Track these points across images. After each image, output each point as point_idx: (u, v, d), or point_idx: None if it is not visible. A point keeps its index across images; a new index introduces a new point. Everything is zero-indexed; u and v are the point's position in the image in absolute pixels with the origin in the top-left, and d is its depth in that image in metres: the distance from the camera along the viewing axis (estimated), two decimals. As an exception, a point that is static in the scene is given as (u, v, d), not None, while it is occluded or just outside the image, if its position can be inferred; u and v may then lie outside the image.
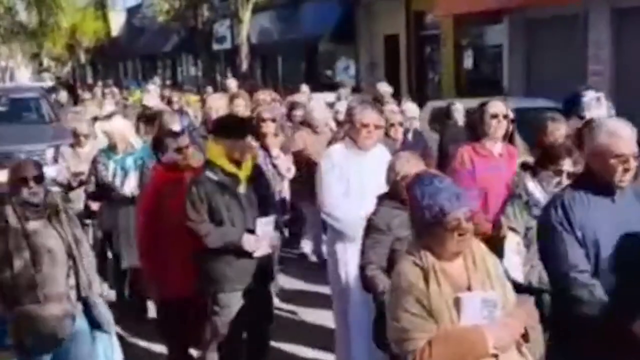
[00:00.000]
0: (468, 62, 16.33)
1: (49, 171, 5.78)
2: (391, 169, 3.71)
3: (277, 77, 24.25)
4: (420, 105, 9.67)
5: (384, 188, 3.86)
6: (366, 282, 3.63)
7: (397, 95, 15.68)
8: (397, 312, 2.55)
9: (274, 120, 6.24)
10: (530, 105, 9.39)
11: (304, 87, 11.43)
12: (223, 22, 25.58)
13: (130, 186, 5.70)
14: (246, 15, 21.28)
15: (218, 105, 6.55)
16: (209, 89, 12.84)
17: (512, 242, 3.61)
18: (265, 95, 8.35)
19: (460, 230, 2.53)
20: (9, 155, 10.03)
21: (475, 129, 4.83)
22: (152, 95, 11.16)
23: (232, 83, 12.37)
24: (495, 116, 4.59)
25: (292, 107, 8.31)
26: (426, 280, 2.53)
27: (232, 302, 4.13)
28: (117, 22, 39.40)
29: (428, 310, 2.51)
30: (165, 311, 4.63)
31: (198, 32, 25.25)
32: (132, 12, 38.56)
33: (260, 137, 6.01)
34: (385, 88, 9.40)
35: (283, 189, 6.45)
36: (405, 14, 17.51)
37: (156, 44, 32.40)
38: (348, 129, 4.64)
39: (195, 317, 4.41)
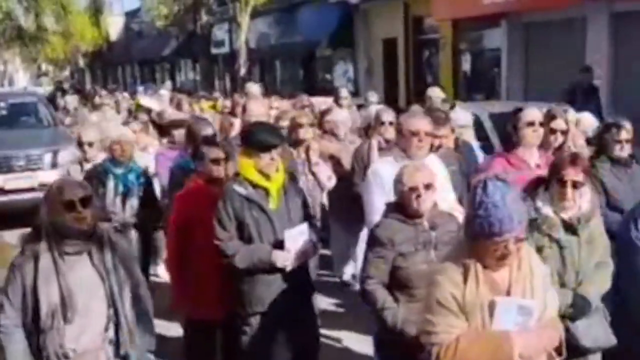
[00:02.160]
0: (466, 66, 16.34)
1: (46, 176, 5.68)
2: (398, 179, 3.48)
3: (276, 82, 24.27)
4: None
5: (441, 204, 3.60)
6: (366, 297, 3.46)
7: (395, 100, 15.71)
8: (430, 304, 2.53)
9: (312, 125, 5.86)
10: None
11: (344, 93, 10.27)
12: (221, 27, 25.61)
13: (133, 209, 5.10)
14: (245, 19, 21.30)
15: (261, 112, 5.86)
16: (235, 96, 11.88)
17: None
18: (280, 103, 7.91)
19: (505, 251, 2.46)
20: (8, 160, 10.07)
21: (509, 137, 4.49)
22: (154, 101, 10.76)
23: (253, 87, 11.49)
24: (531, 124, 4.32)
25: (324, 113, 7.55)
26: (465, 277, 2.50)
27: (266, 324, 3.86)
28: (115, 26, 39.42)
29: (461, 307, 2.48)
30: (193, 333, 4.31)
31: (196, 36, 25.28)
32: (130, 16, 38.60)
33: (297, 144, 5.58)
34: (436, 93, 8.65)
35: (323, 201, 5.96)
36: (403, 18, 17.52)
37: (155, 49, 32.43)
38: (396, 139, 4.32)
39: (226, 340, 4.17)
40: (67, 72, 44.79)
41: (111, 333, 3.09)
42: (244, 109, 6.06)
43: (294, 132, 5.62)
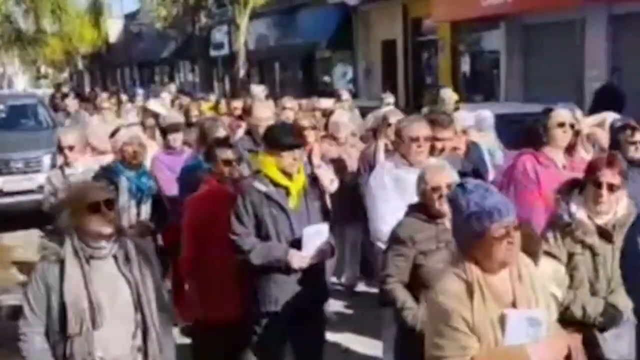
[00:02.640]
0: (465, 68, 16.36)
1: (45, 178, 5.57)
2: (421, 179, 3.42)
3: (275, 84, 24.27)
4: (419, 110, 9.67)
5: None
6: (385, 296, 3.39)
7: (395, 101, 15.68)
8: (438, 327, 2.41)
9: (314, 128, 5.83)
10: (527, 110, 9.38)
11: (346, 95, 10.20)
12: (220, 29, 25.62)
13: (147, 213, 4.88)
14: (243, 21, 21.30)
15: (267, 115, 5.70)
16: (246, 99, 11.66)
17: (547, 270, 3.20)
18: (293, 104, 7.74)
19: (509, 238, 2.39)
20: (7, 162, 10.07)
21: (535, 136, 4.39)
22: (155, 103, 10.49)
23: (257, 88, 11.40)
24: (562, 125, 4.26)
25: (328, 115, 7.39)
26: (470, 294, 2.40)
27: (276, 325, 3.81)
28: (114, 28, 39.40)
29: (470, 327, 2.37)
30: (208, 335, 4.17)
31: (195, 38, 25.28)
32: (129, 18, 38.60)
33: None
34: (449, 95, 8.47)
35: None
36: (402, 20, 17.55)
37: (154, 51, 32.43)
38: (396, 145, 4.29)
39: (240, 342, 4.08)
40: (66, 74, 44.78)
41: (139, 341, 2.98)
42: (249, 112, 5.97)
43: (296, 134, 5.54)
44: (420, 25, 17.32)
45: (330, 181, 5.52)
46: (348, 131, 6.53)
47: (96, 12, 36.52)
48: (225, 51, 25.36)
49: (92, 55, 38.57)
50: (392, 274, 3.36)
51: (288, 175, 3.80)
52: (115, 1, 39.25)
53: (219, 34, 26.00)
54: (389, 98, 10.01)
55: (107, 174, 4.79)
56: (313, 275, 3.83)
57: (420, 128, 4.14)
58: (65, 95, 21.10)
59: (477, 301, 2.39)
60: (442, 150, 4.64)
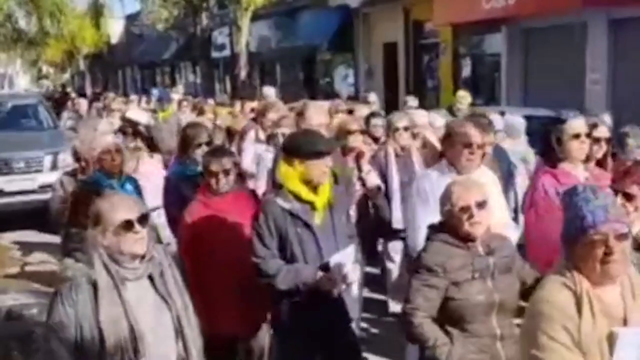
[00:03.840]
0: (466, 71, 16.37)
1: (46, 178, 5.56)
2: (446, 197, 3.04)
3: (276, 86, 24.28)
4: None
5: (495, 223, 3.16)
6: (412, 332, 2.98)
7: (395, 104, 15.72)
8: (540, 340, 2.19)
9: (363, 133, 5.50)
10: (528, 114, 9.40)
11: (372, 97, 9.60)
12: (222, 30, 25.63)
13: None
14: (245, 23, 21.31)
15: (322, 121, 5.00)
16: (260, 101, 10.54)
17: None
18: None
19: (607, 249, 2.18)
20: (8, 162, 10.08)
21: (552, 150, 4.12)
22: (142, 113, 9.96)
23: (269, 90, 10.79)
24: (577, 136, 3.97)
25: (367, 119, 6.79)
26: (578, 307, 2.19)
27: (303, 350, 3.58)
28: (116, 29, 39.47)
29: (576, 342, 2.17)
30: (212, 352, 4.04)
31: (197, 39, 25.28)
32: (131, 19, 38.65)
33: (347, 151, 5.17)
34: (464, 95, 8.01)
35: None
36: (404, 22, 17.56)
37: (155, 52, 32.46)
38: (445, 149, 3.91)
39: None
40: (67, 75, 44.82)
41: None
42: (302, 115, 5.39)
43: (342, 139, 5.18)
44: (422, 28, 17.33)
45: (377, 188, 5.26)
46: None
47: (97, 13, 36.59)
48: (226, 53, 25.37)
49: (94, 56, 38.62)
50: (421, 308, 2.95)
51: (313, 188, 3.50)
52: (117, 2, 39.38)
53: (220, 36, 26.02)
54: (413, 101, 9.41)
55: (87, 186, 4.57)
56: (340, 298, 3.59)
57: (474, 133, 3.79)
58: (65, 95, 20.98)
59: (586, 315, 2.18)
60: (484, 156, 4.26)
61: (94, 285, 2.54)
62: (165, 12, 26.22)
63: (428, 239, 3.11)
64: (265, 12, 21.68)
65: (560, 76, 12.69)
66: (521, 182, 5.66)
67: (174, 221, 4.71)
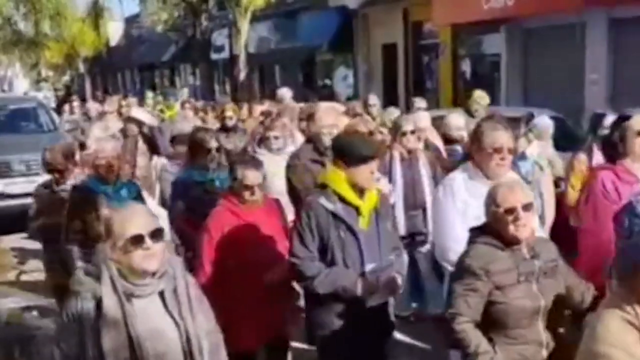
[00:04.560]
0: (466, 71, 16.37)
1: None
2: (491, 199, 2.94)
3: (275, 87, 24.28)
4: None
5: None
6: (454, 338, 2.88)
7: (395, 105, 15.73)
8: None
9: (371, 134, 5.44)
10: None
11: (373, 99, 9.35)
12: (221, 32, 25.63)
13: None
14: (244, 24, 21.31)
15: (332, 121, 4.98)
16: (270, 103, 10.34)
17: None
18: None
19: None
20: (7, 165, 10.08)
21: (612, 149, 4.05)
22: (139, 110, 9.86)
23: (287, 93, 10.43)
24: None
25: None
26: None
27: (338, 357, 3.45)
28: (115, 31, 39.45)
29: None
30: None
31: (196, 41, 25.28)
32: (130, 21, 38.66)
33: None
34: (481, 95, 7.75)
35: None
36: (403, 23, 17.56)
37: (154, 54, 32.46)
38: (473, 152, 3.74)
39: None
40: (67, 77, 44.81)
41: None
42: (312, 117, 5.25)
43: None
44: (421, 28, 17.33)
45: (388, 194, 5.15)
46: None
47: (96, 16, 36.59)
48: (226, 54, 25.37)
49: (93, 58, 38.61)
50: (463, 313, 2.85)
51: (360, 191, 3.39)
52: (116, 4, 39.36)
53: (219, 37, 26.02)
54: (421, 103, 9.07)
55: (81, 192, 4.46)
56: (379, 306, 3.46)
57: (505, 137, 3.61)
58: (69, 96, 20.85)
59: None
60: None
61: (99, 301, 2.43)
62: (164, 14, 26.25)
63: (470, 241, 3.00)
64: (265, 14, 21.68)
65: (560, 76, 12.69)
66: (547, 185, 5.55)
67: (177, 227, 4.67)
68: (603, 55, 11.90)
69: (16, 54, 37.69)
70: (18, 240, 9.15)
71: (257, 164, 3.97)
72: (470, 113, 7.59)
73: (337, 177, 3.38)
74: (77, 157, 5.35)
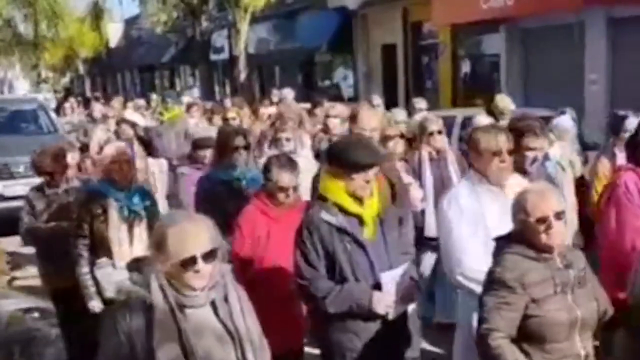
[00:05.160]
0: (465, 71, 16.38)
1: None
2: (520, 206, 2.80)
3: (275, 88, 24.28)
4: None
5: None
6: (489, 355, 2.71)
7: (395, 105, 15.76)
8: None
9: (402, 137, 5.27)
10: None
11: (377, 99, 9.22)
12: (221, 33, 25.65)
13: (142, 240, 4.24)
14: (244, 26, 21.32)
15: (375, 124, 4.53)
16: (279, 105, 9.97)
17: None
18: (339, 110, 6.94)
19: None
20: (7, 166, 10.08)
21: (635, 150, 3.90)
22: (132, 112, 9.82)
23: (289, 93, 10.11)
24: None
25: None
26: None
27: None
28: (115, 33, 39.47)
29: None
30: None
31: (196, 42, 25.30)
32: (130, 23, 38.67)
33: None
34: (504, 100, 7.37)
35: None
36: (402, 24, 17.57)
37: (154, 55, 32.47)
38: (472, 159, 3.60)
39: None
40: (67, 79, 44.83)
41: None
42: (354, 119, 4.92)
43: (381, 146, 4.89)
44: (421, 29, 17.34)
45: (419, 199, 5.02)
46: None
47: (96, 17, 36.61)
48: (225, 55, 25.38)
49: (93, 59, 38.63)
50: (498, 328, 2.69)
51: (359, 200, 3.20)
52: (116, 6, 39.37)
53: (219, 38, 26.03)
54: (421, 103, 8.89)
55: (92, 197, 4.32)
56: (396, 320, 3.24)
57: (501, 139, 3.47)
58: (67, 97, 20.81)
59: None
60: (535, 161, 3.97)
61: (150, 310, 2.32)
62: (164, 15, 26.26)
63: (499, 252, 2.85)
64: (264, 15, 21.70)
65: (559, 76, 12.69)
66: (569, 187, 5.43)
67: None
68: (602, 55, 11.91)
69: (16, 55, 37.68)
70: (17, 241, 9.15)
71: (293, 166, 3.85)
72: (494, 115, 7.25)
73: (335, 187, 3.20)
74: (70, 159, 5.19)
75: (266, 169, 3.88)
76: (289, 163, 3.91)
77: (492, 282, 2.77)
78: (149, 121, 11.68)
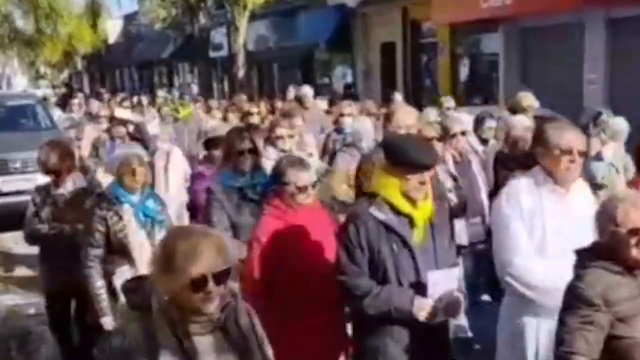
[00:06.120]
0: (464, 71, 16.38)
1: (43, 179, 5.28)
2: (608, 216, 2.57)
3: (274, 85, 24.27)
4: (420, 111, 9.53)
5: (590, 239, 2.72)
6: None
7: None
8: None
9: (440, 140, 4.99)
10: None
11: (398, 96, 9.08)
12: (220, 30, 25.60)
13: None
14: (243, 22, 21.29)
15: (410, 123, 4.48)
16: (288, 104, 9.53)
17: None
18: (352, 109, 6.72)
19: None
20: (5, 162, 10.07)
21: None
22: (123, 110, 9.45)
23: (309, 91, 9.61)
24: None
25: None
26: None
27: None
28: (113, 29, 39.40)
29: None
30: None
31: (195, 39, 25.26)
32: (128, 19, 38.60)
33: None
34: (530, 99, 7.07)
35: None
36: (401, 22, 17.56)
37: (153, 51, 32.42)
38: (540, 156, 3.32)
39: None
40: (65, 75, 44.75)
41: None
42: (390, 117, 4.77)
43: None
44: (420, 27, 17.33)
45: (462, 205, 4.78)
46: (370, 140, 5.72)
47: (94, 13, 36.53)
48: (224, 52, 25.34)
49: (91, 56, 38.55)
50: (580, 351, 2.48)
51: (412, 201, 3.02)
52: (114, 2, 39.30)
53: (218, 35, 25.99)
54: (449, 102, 8.42)
55: (105, 202, 4.12)
56: (437, 328, 3.06)
57: (574, 137, 3.25)
58: (71, 92, 20.66)
59: None
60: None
61: (152, 339, 2.08)
62: (163, 11, 26.20)
63: (582, 266, 2.62)
64: (263, 12, 21.67)
65: (558, 76, 12.69)
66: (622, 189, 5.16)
67: None
68: (601, 55, 11.90)
69: (14, 51, 37.61)
70: (14, 237, 9.15)
71: (305, 164, 3.71)
72: (516, 114, 6.90)
73: (389, 184, 3.02)
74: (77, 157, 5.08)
75: (278, 173, 3.63)
76: (301, 162, 3.74)
77: (574, 299, 2.54)
78: (149, 118, 11.60)
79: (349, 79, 20.57)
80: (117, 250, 4.03)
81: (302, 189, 3.53)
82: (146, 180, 4.23)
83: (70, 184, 4.71)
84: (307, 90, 9.51)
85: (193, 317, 2.11)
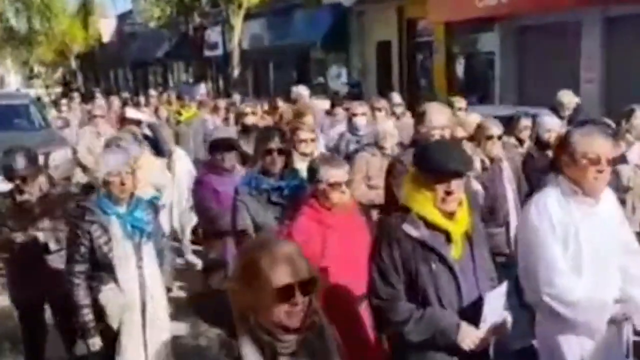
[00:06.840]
0: (460, 69, 16.36)
1: None
2: None
3: (269, 84, 24.23)
4: (413, 111, 9.52)
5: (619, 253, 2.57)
6: None
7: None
8: None
9: (471, 139, 4.76)
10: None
11: (397, 98, 8.66)
12: (215, 29, 25.55)
13: (152, 258, 3.88)
14: (238, 21, 21.24)
15: (443, 122, 4.19)
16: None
17: None
18: (364, 109, 6.56)
19: None
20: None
21: None
22: (134, 110, 9.09)
23: (304, 90, 9.49)
24: None
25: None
26: None
27: None
28: (107, 28, 39.31)
29: None
30: None
31: (189, 38, 25.22)
32: (122, 18, 38.50)
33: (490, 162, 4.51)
34: (569, 97, 6.69)
35: None
36: (397, 21, 17.53)
37: (147, 50, 32.33)
38: (566, 166, 3.10)
39: None
40: (59, 74, 44.66)
41: None
42: (422, 117, 4.37)
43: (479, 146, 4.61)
44: (416, 26, 17.31)
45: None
46: (394, 141, 5.53)
47: (87, 12, 36.45)
48: (219, 51, 25.28)
49: (85, 55, 38.46)
50: None
51: (448, 214, 2.80)
52: (109, 1, 39.22)
53: (213, 34, 25.93)
54: (461, 102, 7.97)
55: (89, 215, 3.79)
56: (479, 353, 2.82)
57: (603, 146, 3.03)
58: (70, 92, 20.50)
59: None
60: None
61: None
62: (157, 10, 26.11)
63: None
64: (258, 11, 21.62)
65: (554, 75, 12.67)
66: None
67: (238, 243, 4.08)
68: (598, 54, 11.89)
69: (8, 50, 37.50)
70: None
71: (339, 161, 3.61)
72: (558, 114, 6.83)
73: (421, 197, 2.79)
74: (51, 160, 4.82)
75: (312, 172, 3.55)
76: (333, 158, 3.65)
77: None
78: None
79: (344, 78, 20.52)
80: (102, 265, 3.78)
81: (334, 186, 3.44)
82: (133, 188, 3.89)
83: (37, 190, 4.43)
84: (302, 90, 9.49)
85: (279, 337, 1.95)
